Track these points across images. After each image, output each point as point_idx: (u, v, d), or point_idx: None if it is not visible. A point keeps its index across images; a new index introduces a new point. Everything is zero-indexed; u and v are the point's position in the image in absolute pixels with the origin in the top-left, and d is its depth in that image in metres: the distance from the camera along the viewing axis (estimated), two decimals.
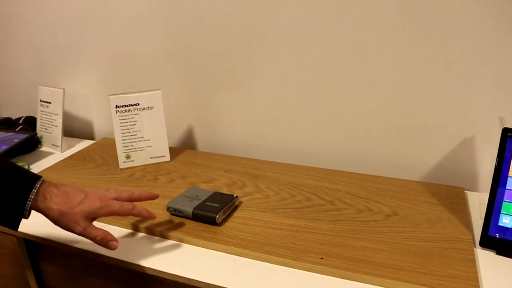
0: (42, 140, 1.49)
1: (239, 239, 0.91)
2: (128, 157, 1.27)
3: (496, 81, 1.05)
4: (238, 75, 1.30)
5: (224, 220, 0.98)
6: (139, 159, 1.28)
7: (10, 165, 0.81)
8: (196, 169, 1.24)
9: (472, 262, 0.82)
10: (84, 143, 1.51)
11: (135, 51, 1.42)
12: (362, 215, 1.00)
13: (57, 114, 1.43)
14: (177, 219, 0.99)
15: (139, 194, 0.91)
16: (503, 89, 1.05)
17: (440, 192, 1.08)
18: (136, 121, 1.25)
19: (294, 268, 0.84)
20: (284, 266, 0.85)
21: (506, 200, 0.87)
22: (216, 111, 1.38)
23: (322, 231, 0.93)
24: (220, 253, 0.90)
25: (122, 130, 1.25)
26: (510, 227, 0.87)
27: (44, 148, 1.48)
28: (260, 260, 0.87)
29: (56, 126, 1.44)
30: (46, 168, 1.28)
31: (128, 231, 0.98)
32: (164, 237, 0.95)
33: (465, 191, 1.10)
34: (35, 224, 0.96)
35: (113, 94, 1.24)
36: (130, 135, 1.26)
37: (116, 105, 1.24)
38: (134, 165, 1.28)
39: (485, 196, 1.04)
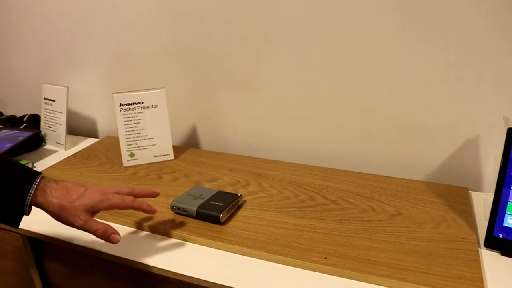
0: (46, 138, 1.49)
1: (243, 238, 0.91)
2: (132, 155, 1.27)
3: (501, 81, 1.04)
4: (242, 75, 1.30)
5: (228, 219, 0.98)
6: (143, 157, 1.28)
7: (10, 162, 0.81)
8: (200, 167, 1.24)
9: (476, 263, 0.82)
10: (88, 141, 1.51)
11: (139, 49, 1.42)
12: (366, 214, 0.99)
13: (61, 112, 1.43)
14: (181, 218, 0.99)
15: (140, 190, 0.91)
16: (507, 88, 1.05)
17: (444, 192, 1.08)
18: (140, 119, 1.26)
19: (297, 267, 0.84)
20: (288, 265, 0.85)
21: (511, 200, 0.86)
22: (220, 110, 1.38)
23: (326, 231, 0.93)
24: (224, 252, 0.90)
25: (126, 128, 1.26)
26: None
27: (48, 146, 1.49)
28: (264, 259, 0.87)
29: (60, 124, 1.44)
30: (50, 166, 1.28)
31: (132, 229, 0.99)
32: (168, 235, 0.95)
33: (469, 191, 1.09)
34: (39, 222, 0.96)
35: (117, 92, 1.24)
36: (134, 134, 1.26)
37: (120, 104, 1.24)
38: (138, 164, 1.28)
39: (489, 197, 1.04)
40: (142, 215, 1.00)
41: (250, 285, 0.81)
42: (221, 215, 0.95)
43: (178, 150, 1.36)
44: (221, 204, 0.98)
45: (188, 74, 1.38)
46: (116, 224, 0.99)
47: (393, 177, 1.16)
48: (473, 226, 0.94)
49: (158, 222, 0.98)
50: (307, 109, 1.26)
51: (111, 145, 1.42)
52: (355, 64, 1.16)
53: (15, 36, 1.63)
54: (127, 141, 1.26)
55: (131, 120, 1.25)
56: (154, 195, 0.93)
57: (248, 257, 0.88)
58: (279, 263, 0.85)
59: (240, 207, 1.03)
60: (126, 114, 1.25)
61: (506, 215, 0.87)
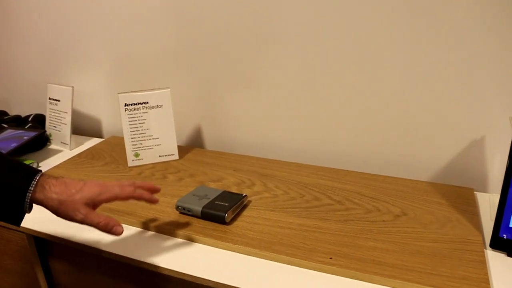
0: (51, 138, 1.50)
1: (248, 238, 0.91)
2: (136, 155, 1.27)
3: (507, 81, 1.04)
4: (247, 74, 1.30)
5: (233, 219, 0.98)
6: (148, 157, 1.28)
7: (10, 160, 0.81)
8: (205, 167, 1.24)
9: (482, 264, 0.82)
10: (93, 141, 1.52)
11: (144, 49, 1.42)
12: (371, 215, 0.99)
13: (66, 112, 1.44)
14: (186, 218, 0.99)
15: (141, 183, 0.89)
16: None
17: (449, 192, 1.08)
18: (145, 119, 1.26)
19: (303, 267, 0.84)
20: (293, 265, 0.85)
21: None
22: (224, 110, 1.38)
23: (331, 231, 0.93)
24: (229, 252, 0.90)
25: (131, 128, 1.26)
26: None
27: (53, 146, 1.49)
28: (269, 260, 0.87)
29: (65, 124, 1.44)
30: (55, 166, 1.29)
31: (137, 229, 0.99)
32: (173, 235, 0.95)
33: (475, 192, 1.09)
34: (44, 221, 0.97)
35: (122, 93, 1.24)
36: (139, 134, 1.26)
37: (125, 104, 1.24)
38: (142, 164, 1.28)
39: (495, 197, 1.04)
40: (146, 214, 1.00)
41: (255, 285, 0.81)
42: (226, 215, 0.95)
43: (183, 150, 1.36)
44: (226, 204, 0.98)
45: (192, 74, 1.38)
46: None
47: (398, 178, 1.16)
48: (478, 227, 0.94)
49: (163, 222, 0.98)
50: (312, 109, 1.26)
51: (116, 145, 1.42)
52: (362, 64, 1.16)
53: (20, 36, 1.64)
54: (132, 141, 1.26)
55: (136, 120, 1.25)
56: (155, 189, 0.91)
57: (253, 257, 0.88)
58: (284, 263, 0.85)
59: (245, 207, 1.03)
60: (131, 114, 1.25)
61: None
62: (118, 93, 1.24)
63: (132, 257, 0.89)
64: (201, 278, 0.83)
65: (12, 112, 1.76)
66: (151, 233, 0.97)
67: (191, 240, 0.94)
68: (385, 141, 1.21)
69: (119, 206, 1.04)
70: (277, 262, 0.86)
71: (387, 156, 1.22)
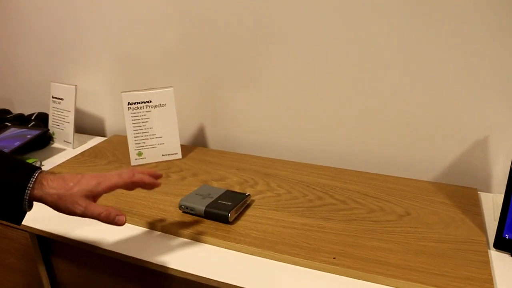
0: (54, 137, 1.50)
1: (251, 238, 0.91)
2: (139, 154, 1.27)
3: (511, 80, 1.04)
4: (249, 73, 1.30)
5: (236, 219, 0.98)
6: (151, 156, 1.28)
7: (9, 157, 0.81)
8: (208, 167, 1.24)
9: (486, 264, 0.82)
10: (96, 140, 1.52)
11: (147, 48, 1.42)
12: (374, 214, 0.99)
13: (69, 111, 1.44)
14: (189, 217, 0.99)
15: (141, 169, 0.87)
16: None
17: (453, 192, 1.08)
18: (148, 118, 1.26)
19: (306, 267, 0.84)
20: (296, 265, 0.85)
21: None
22: (227, 109, 1.38)
23: (335, 231, 0.93)
24: (232, 251, 0.90)
25: (134, 127, 1.26)
26: None
27: (56, 145, 1.49)
28: (272, 259, 0.87)
29: (68, 122, 1.44)
30: (58, 165, 1.29)
31: (140, 228, 0.99)
32: (176, 235, 0.95)
33: (478, 192, 1.09)
34: (47, 220, 0.97)
35: (125, 91, 1.24)
36: (142, 132, 1.26)
37: (128, 102, 1.24)
38: (145, 162, 1.28)
39: (498, 197, 1.04)
40: (149, 213, 1.00)
41: (258, 285, 0.81)
42: (229, 214, 0.94)
43: (186, 149, 1.36)
44: (230, 204, 0.98)
45: (195, 73, 1.38)
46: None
47: (401, 177, 1.16)
48: (482, 227, 0.93)
49: (166, 221, 0.98)
50: (314, 108, 1.26)
51: (118, 143, 1.42)
52: (365, 63, 1.16)
53: (24, 35, 1.64)
54: (135, 140, 1.26)
55: (139, 119, 1.25)
56: (155, 176, 0.88)
57: (257, 257, 0.88)
58: (287, 263, 0.85)
59: (248, 206, 1.03)
60: (134, 113, 1.25)
61: None
62: (122, 92, 1.24)
63: (135, 256, 0.89)
64: (204, 277, 0.83)
65: (15, 110, 1.76)
66: (154, 232, 0.97)
67: (194, 239, 0.94)
68: (388, 141, 1.21)
69: (122, 205, 1.04)
70: (281, 261, 0.86)
71: (390, 155, 1.22)
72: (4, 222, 1.05)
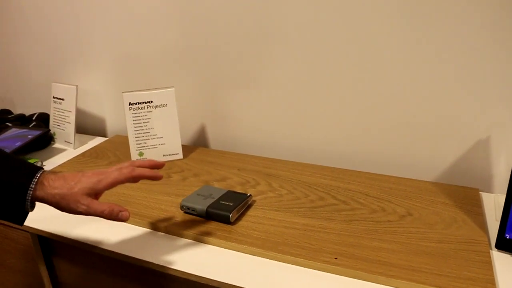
0: (55, 137, 1.50)
1: (253, 238, 0.91)
2: (140, 154, 1.27)
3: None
4: (250, 73, 1.30)
5: (238, 219, 0.98)
6: (152, 156, 1.28)
7: (11, 158, 0.81)
8: (209, 167, 1.24)
9: (488, 265, 0.81)
10: (97, 140, 1.52)
11: (148, 49, 1.42)
12: (376, 215, 0.99)
13: (70, 111, 1.44)
14: (191, 218, 0.99)
15: (141, 162, 0.86)
16: None
17: (454, 193, 1.08)
18: (149, 118, 1.26)
19: (308, 268, 0.84)
20: (298, 265, 0.85)
21: None
22: (228, 109, 1.38)
23: (336, 231, 0.93)
24: (234, 252, 0.90)
25: (135, 127, 1.26)
26: None
27: (57, 145, 1.49)
28: (274, 260, 0.87)
29: (69, 123, 1.44)
30: (59, 165, 1.29)
31: (141, 229, 0.99)
32: (177, 235, 0.95)
33: (480, 192, 1.09)
34: (49, 220, 0.97)
35: (126, 92, 1.24)
36: (143, 133, 1.26)
37: (130, 103, 1.24)
38: None
39: (500, 198, 1.04)
40: (151, 214, 1.00)
41: (259, 285, 0.81)
42: (231, 214, 0.94)
43: (187, 149, 1.36)
44: (231, 204, 0.98)
45: (196, 73, 1.38)
46: (125, 224, 0.99)
47: (402, 178, 1.16)
48: (484, 227, 0.93)
49: (167, 221, 0.98)
50: (315, 108, 1.26)
51: (120, 144, 1.42)
52: (366, 63, 1.16)
53: (25, 35, 1.64)
54: (136, 140, 1.26)
55: (140, 119, 1.25)
56: (157, 166, 0.87)
57: (258, 257, 0.88)
58: (289, 263, 0.85)
59: (249, 207, 1.03)
60: (135, 113, 1.25)
61: None
62: (123, 92, 1.24)
63: (136, 256, 0.89)
64: (206, 278, 0.83)
65: (16, 110, 1.76)
66: (155, 232, 0.97)
67: (195, 240, 0.93)
68: (389, 141, 1.21)
69: (122, 205, 1.03)
70: (282, 262, 0.86)
71: (391, 155, 1.22)
72: (6, 222, 1.05)
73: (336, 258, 0.84)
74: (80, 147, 1.46)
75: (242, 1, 1.23)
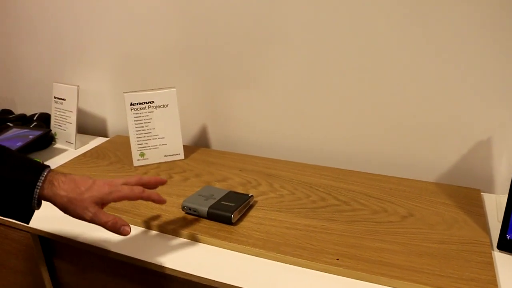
0: (56, 137, 1.50)
1: (254, 239, 0.91)
2: (142, 155, 1.27)
3: None
4: (252, 74, 1.30)
5: (239, 220, 0.98)
6: (153, 157, 1.28)
7: (18, 155, 0.81)
8: (210, 167, 1.24)
9: (490, 265, 0.81)
10: (98, 140, 1.52)
11: (149, 49, 1.42)
12: (378, 216, 0.99)
13: (71, 111, 1.44)
14: (192, 218, 0.99)
15: (148, 179, 0.90)
16: None
17: (455, 193, 1.07)
18: (151, 119, 1.26)
19: (309, 268, 0.84)
20: (300, 266, 0.85)
21: None
22: (230, 109, 1.38)
23: (338, 232, 0.93)
24: (235, 252, 0.90)
25: (136, 127, 1.26)
26: None
27: (58, 145, 1.49)
28: (276, 260, 0.87)
29: (70, 123, 1.44)
30: (60, 165, 1.29)
31: (143, 229, 0.99)
32: (179, 235, 0.95)
33: (481, 193, 1.08)
34: (49, 221, 0.97)
35: (128, 92, 1.24)
36: (145, 133, 1.26)
37: (131, 103, 1.24)
38: (148, 163, 1.28)
39: (501, 198, 1.04)
40: (153, 214, 1.00)
41: (261, 286, 0.80)
42: (232, 215, 0.94)
43: (188, 149, 1.36)
44: (233, 205, 0.98)
45: (197, 74, 1.38)
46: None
47: (404, 178, 1.15)
48: (485, 228, 0.93)
49: (169, 222, 0.98)
50: (316, 108, 1.25)
51: (121, 144, 1.42)
52: (366, 63, 1.16)
53: (26, 35, 1.64)
54: (137, 141, 1.26)
55: (141, 120, 1.25)
56: (161, 182, 0.92)
57: (260, 258, 0.88)
58: (291, 264, 0.85)
59: (251, 207, 1.03)
60: (136, 114, 1.25)
61: None
62: (124, 93, 1.24)
63: (138, 257, 0.89)
64: (207, 278, 0.83)
65: (17, 111, 1.76)
66: (156, 233, 0.97)
67: (197, 240, 0.93)
68: (390, 141, 1.21)
69: (125, 205, 1.04)
70: (284, 263, 0.86)
71: (392, 156, 1.22)
72: (7, 222, 1.05)
73: (338, 259, 0.84)
74: (81, 147, 1.46)
75: (242, 1, 1.23)
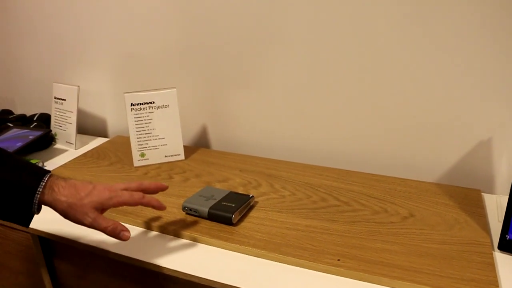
0: (56, 137, 1.50)
1: (255, 240, 0.91)
2: (142, 155, 1.27)
3: None
4: (252, 74, 1.30)
5: (240, 220, 0.97)
6: (154, 157, 1.28)
7: (19, 160, 0.81)
8: (211, 168, 1.24)
9: (491, 266, 0.81)
10: (98, 141, 1.52)
11: (149, 49, 1.42)
12: (379, 216, 0.99)
13: (72, 111, 1.43)
14: (193, 219, 0.99)
15: (148, 184, 0.90)
16: None
17: (456, 194, 1.07)
18: (151, 119, 1.25)
19: (311, 269, 0.84)
20: (301, 267, 0.85)
21: None
22: (230, 110, 1.38)
23: (339, 232, 0.93)
24: (236, 253, 0.89)
25: (136, 128, 1.25)
26: None
27: (58, 145, 1.49)
28: (277, 261, 0.86)
29: (71, 123, 1.44)
30: (60, 166, 1.29)
31: (143, 230, 0.98)
32: (180, 236, 0.95)
33: (482, 193, 1.08)
34: (49, 222, 0.97)
35: (128, 92, 1.24)
36: (145, 133, 1.26)
37: (131, 103, 1.24)
38: (148, 164, 1.28)
39: (502, 199, 1.04)
40: (153, 215, 1.00)
41: (262, 287, 0.80)
42: (233, 216, 0.94)
43: (189, 150, 1.35)
44: (233, 205, 0.98)
45: (198, 74, 1.38)
46: (126, 224, 0.99)
47: (405, 179, 1.15)
48: (486, 228, 0.93)
49: (169, 222, 0.98)
50: (316, 108, 1.25)
51: (121, 144, 1.42)
52: (367, 64, 1.16)
53: (26, 35, 1.64)
54: (137, 141, 1.26)
55: (142, 120, 1.25)
56: (162, 188, 0.92)
57: (261, 259, 0.87)
58: (292, 265, 0.85)
59: (252, 208, 1.02)
60: (137, 114, 1.25)
61: None
62: (124, 93, 1.24)
63: (138, 258, 0.89)
64: (208, 279, 0.83)
65: (17, 111, 1.76)
66: (157, 234, 0.97)
67: (197, 241, 0.93)
68: (391, 142, 1.21)
69: (124, 206, 1.03)
70: (285, 263, 0.86)
71: (393, 156, 1.22)
72: (7, 223, 1.05)
73: (339, 260, 0.84)
74: (82, 148, 1.45)
75: (242, 1, 1.23)
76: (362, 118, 1.21)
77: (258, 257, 0.88)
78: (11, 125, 1.50)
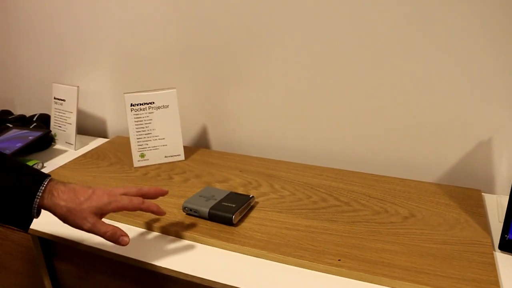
0: (56, 138, 1.50)
1: (256, 240, 0.91)
2: (142, 155, 1.27)
3: None
4: (252, 74, 1.30)
5: (240, 221, 0.97)
6: (154, 158, 1.28)
7: (18, 163, 0.81)
8: (211, 168, 1.24)
9: (492, 266, 0.81)
10: (98, 141, 1.51)
11: (149, 49, 1.42)
12: (379, 216, 0.99)
13: (71, 112, 1.43)
14: (193, 219, 0.99)
15: (148, 189, 0.90)
16: None
17: (457, 194, 1.07)
18: (151, 119, 1.25)
19: (311, 269, 0.84)
20: (301, 267, 0.85)
21: None
22: (230, 110, 1.38)
23: (339, 232, 0.93)
24: (236, 253, 0.89)
25: (136, 128, 1.25)
26: None
27: (57, 146, 1.49)
28: (277, 261, 0.86)
29: (70, 124, 1.44)
30: (60, 166, 1.28)
31: (143, 230, 0.98)
32: (180, 237, 0.95)
33: (482, 194, 1.08)
34: (50, 223, 0.96)
35: (128, 93, 1.24)
36: (145, 134, 1.26)
37: (131, 104, 1.24)
38: (148, 164, 1.28)
39: (502, 199, 1.04)
40: (153, 216, 1.00)
41: (262, 287, 0.80)
42: (233, 216, 0.94)
43: (189, 150, 1.35)
44: (234, 206, 0.97)
45: (198, 75, 1.38)
46: (127, 225, 0.99)
47: (405, 179, 1.15)
48: (487, 228, 0.93)
49: (170, 223, 0.98)
50: (316, 109, 1.25)
51: (121, 145, 1.42)
52: (367, 63, 1.16)
53: (26, 36, 1.64)
54: (137, 141, 1.26)
55: (142, 120, 1.25)
56: (162, 193, 0.92)
57: (261, 259, 0.87)
58: (292, 265, 0.85)
59: (252, 208, 1.02)
60: (137, 114, 1.24)
61: None
62: (124, 93, 1.23)
63: (138, 258, 0.89)
64: (208, 279, 0.83)
65: (17, 111, 1.76)
66: (157, 234, 0.97)
67: (197, 241, 0.93)
68: (391, 142, 1.21)
69: None
70: (285, 264, 0.86)
71: (393, 157, 1.22)
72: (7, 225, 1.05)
73: (339, 260, 0.84)
74: (81, 148, 1.45)
75: (242, 1, 1.23)
76: (362, 118, 1.21)
77: (258, 257, 0.88)
78: (10, 125, 1.50)
